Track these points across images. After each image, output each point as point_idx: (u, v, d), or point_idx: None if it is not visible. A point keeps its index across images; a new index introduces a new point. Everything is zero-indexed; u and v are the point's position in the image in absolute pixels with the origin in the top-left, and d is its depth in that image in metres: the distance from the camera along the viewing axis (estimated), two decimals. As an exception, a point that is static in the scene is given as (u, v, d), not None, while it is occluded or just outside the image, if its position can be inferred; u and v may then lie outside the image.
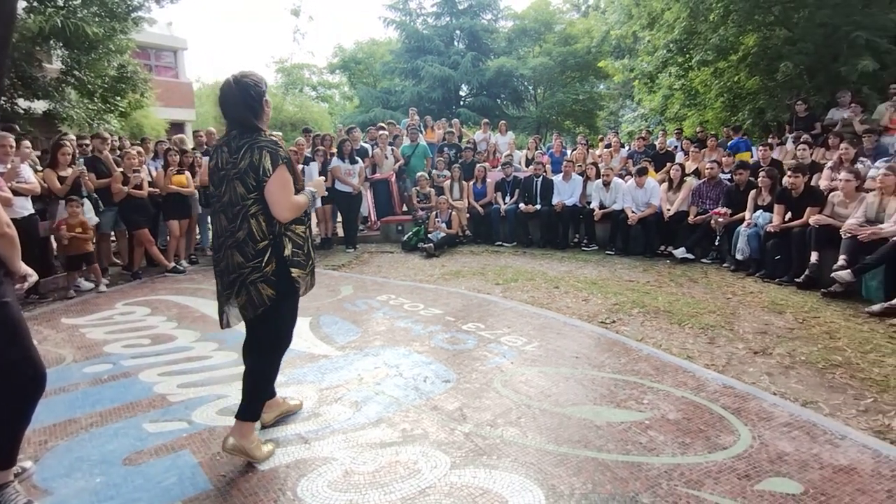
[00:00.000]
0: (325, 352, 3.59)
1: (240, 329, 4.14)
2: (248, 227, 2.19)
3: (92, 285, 5.63)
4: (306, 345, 3.72)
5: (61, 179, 5.43)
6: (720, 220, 6.13)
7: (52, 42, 9.14)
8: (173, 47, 20.35)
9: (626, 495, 2.03)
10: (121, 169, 5.97)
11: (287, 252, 2.27)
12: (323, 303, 4.81)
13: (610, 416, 2.64)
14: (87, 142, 6.15)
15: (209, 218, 7.59)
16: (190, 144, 8.09)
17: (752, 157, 7.77)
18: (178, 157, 6.57)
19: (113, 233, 6.61)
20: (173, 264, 6.35)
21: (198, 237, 7.74)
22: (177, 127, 18.36)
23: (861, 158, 6.26)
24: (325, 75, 32.54)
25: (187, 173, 6.60)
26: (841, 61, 8.53)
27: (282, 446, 2.45)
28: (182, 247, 6.75)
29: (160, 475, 2.23)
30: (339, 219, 8.30)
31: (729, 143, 8.47)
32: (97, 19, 9.28)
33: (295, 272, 2.29)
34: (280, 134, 9.01)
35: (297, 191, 2.33)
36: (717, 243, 6.30)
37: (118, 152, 6.60)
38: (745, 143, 8.53)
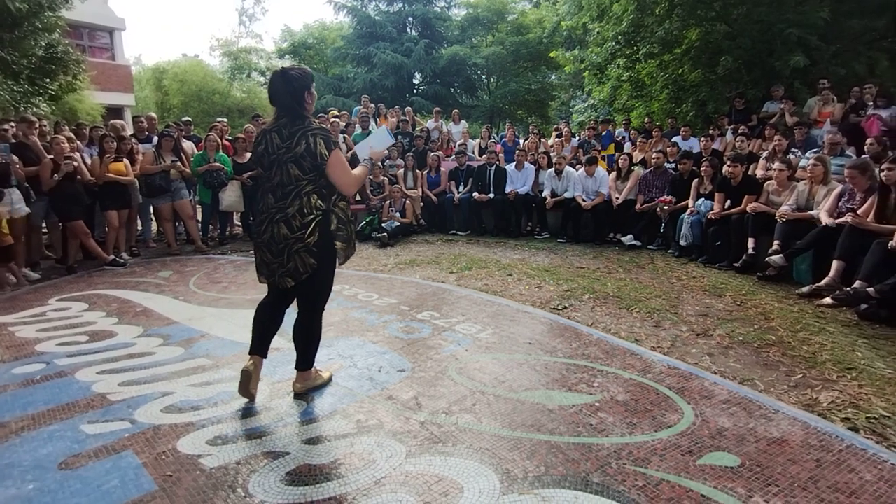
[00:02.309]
0: (276, 344, 3.45)
1: (185, 324, 4.00)
2: (299, 203, 2.49)
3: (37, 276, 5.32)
4: (257, 338, 3.62)
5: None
6: (665, 207, 6.36)
7: (-32, 18, 8.42)
8: (109, 27, 19.12)
9: (578, 476, 2.09)
10: (51, 156, 5.59)
11: (333, 227, 2.59)
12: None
13: (562, 400, 2.71)
14: (6, 126, 5.64)
15: (150, 208, 7.26)
16: (130, 130, 7.66)
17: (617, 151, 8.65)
18: (114, 143, 6.21)
19: (45, 224, 6.22)
20: (112, 257, 6.03)
21: (139, 228, 7.38)
22: (115, 112, 17.31)
23: (793, 149, 6.63)
24: (273, 60, 31.46)
25: (126, 161, 6.26)
26: (775, 57, 8.98)
27: (232, 443, 2.38)
28: (122, 238, 6.43)
29: (100, 478, 2.12)
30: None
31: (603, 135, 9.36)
32: (21, -6, 8.59)
33: (338, 245, 2.62)
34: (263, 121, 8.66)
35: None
36: (662, 230, 6.54)
37: (47, 138, 6.17)
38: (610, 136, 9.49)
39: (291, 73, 2.53)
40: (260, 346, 2.73)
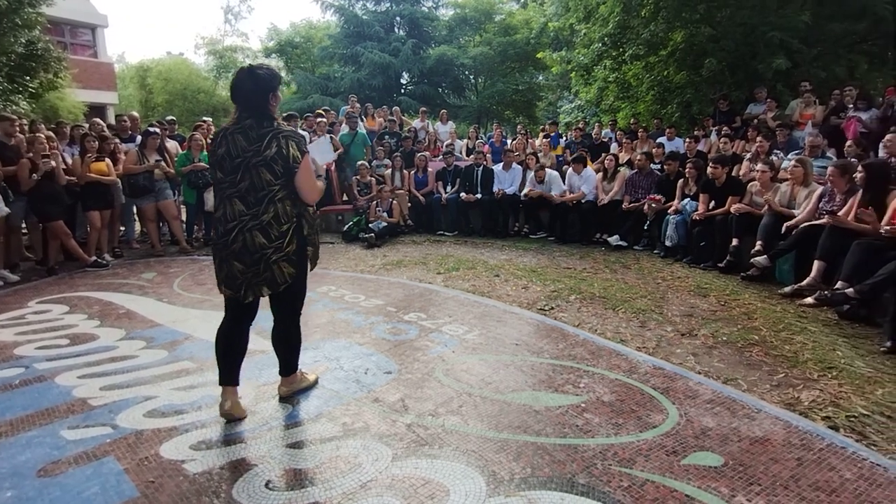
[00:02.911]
0: (262, 347, 3.44)
1: (169, 326, 3.95)
2: (273, 210, 2.38)
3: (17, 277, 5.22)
4: (242, 340, 3.58)
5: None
6: (653, 205, 6.39)
7: (-54, 14, 8.25)
8: (91, 24, 18.80)
9: (564, 477, 2.10)
10: (30, 154, 5.48)
11: (305, 232, 2.51)
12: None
13: (548, 401, 2.72)
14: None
15: (133, 208, 7.16)
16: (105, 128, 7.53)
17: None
18: (96, 143, 6.11)
19: (25, 225, 6.10)
20: (94, 258, 5.93)
21: (122, 229, 7.27)
22: (97, 110, 17.03)
23: (775, 151, 6.72)
24: (259, 59, 31.22)
25: (108, 160, 6.16)
26: (758, 59, 9.10)
27: (216, 447, 2.35)
28: (104, 239, 6.32)
29: (80, 485, 2.09)
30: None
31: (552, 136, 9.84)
32: (-1, -10, 8.43)
33: (310, 250, 2.56)
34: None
35: None
36: (646, 227, 6.58)
37: (25, 136, 6.05)
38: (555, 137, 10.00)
39: (259, 72, 2.40)
40: (230, 377, 2.58)
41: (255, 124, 2.37)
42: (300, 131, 8.51)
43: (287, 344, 2.74)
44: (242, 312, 2.56)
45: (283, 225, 2.41)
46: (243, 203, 2.36)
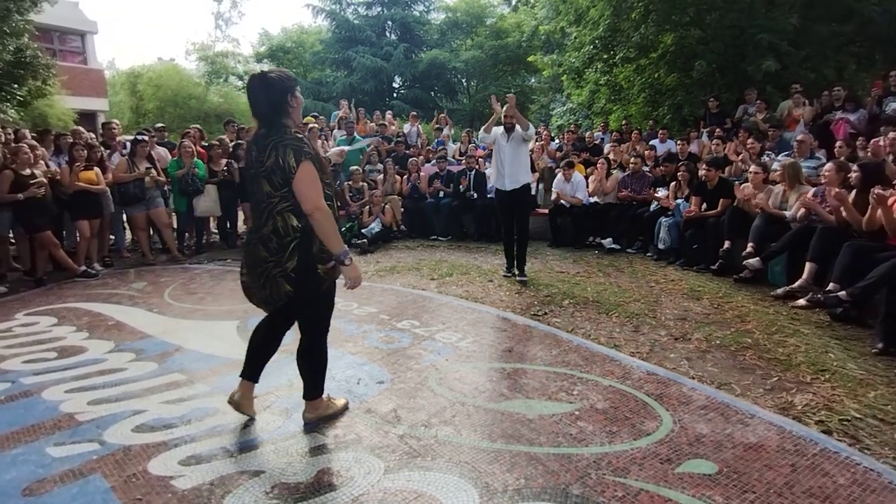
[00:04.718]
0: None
1: (159, 337, 3.90)
2: (273, 223, 2.29)
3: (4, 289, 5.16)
4: (234, 350, 3.52)
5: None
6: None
7: (-68, 22, 8.17)
8: (81, 30, 18.68)
9: (558, 488, 2.08)
10: (13, 165, 5.40)
11: (315, 249, 2.33)
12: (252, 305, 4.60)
13: (542, 409, 2.70)
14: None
15: (124, 216, 7.12)
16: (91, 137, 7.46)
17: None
18: (85, 152, 6.05)
19: (12, 234, 6.02)
20: (84, 268, 5.86)
21: (112, 237, 7.20)
22: (87, 117, 16.93)
23: (767, 152, 6.75)
24: (251, 64, 31.10)
25: (97, 169, 6.11)
26: (748, 61, 9.15)
27: (206, 462, 2.32)
28: (94, 248, 6.25)
29: (66, 504, 2.05)
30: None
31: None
32: (-14, -2, 8.37)
33: (321, 268, 2.36)
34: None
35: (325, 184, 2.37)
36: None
37: (10, 146, 5.97)
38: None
39: (271, 76, 2.31)
40: (248, 371, 2.59)
41: (266, 134, 2.30)
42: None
43: (307, 363, 2.57)
44: (277, 317, 2.56)
45: (283, 238, 2.28)
46: (253, 215, 2.42)
